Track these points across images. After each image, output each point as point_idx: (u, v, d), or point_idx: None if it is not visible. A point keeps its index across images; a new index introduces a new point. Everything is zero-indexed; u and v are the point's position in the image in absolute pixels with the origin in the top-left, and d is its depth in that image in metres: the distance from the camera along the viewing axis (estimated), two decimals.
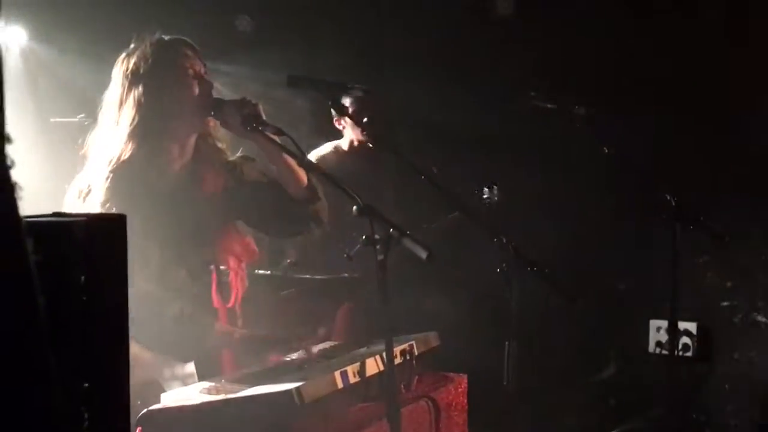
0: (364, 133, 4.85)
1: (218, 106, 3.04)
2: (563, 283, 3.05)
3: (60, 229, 1.26)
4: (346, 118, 4.87)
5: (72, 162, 3.25)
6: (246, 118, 2.95)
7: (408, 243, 2.45)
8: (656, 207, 5.40)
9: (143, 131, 2.99)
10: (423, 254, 2.44)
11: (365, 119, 4.78)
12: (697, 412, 5.50)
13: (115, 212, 2.86)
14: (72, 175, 3.12)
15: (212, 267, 3.14)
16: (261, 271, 4.86)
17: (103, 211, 2.90)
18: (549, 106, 4.00)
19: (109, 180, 2.94)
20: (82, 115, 5.19)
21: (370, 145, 4.91)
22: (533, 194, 5.76)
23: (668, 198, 3.86)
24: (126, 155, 2.98)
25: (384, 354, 2.85)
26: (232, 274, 3.20)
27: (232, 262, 3.22)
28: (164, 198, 3.02)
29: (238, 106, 3.00)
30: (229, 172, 3.23)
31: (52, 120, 5.16)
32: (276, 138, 2.95)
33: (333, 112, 4.80)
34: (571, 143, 5.59)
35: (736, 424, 5.45)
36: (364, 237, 2.50)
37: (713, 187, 5.49)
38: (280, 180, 3.18)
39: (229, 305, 3.15)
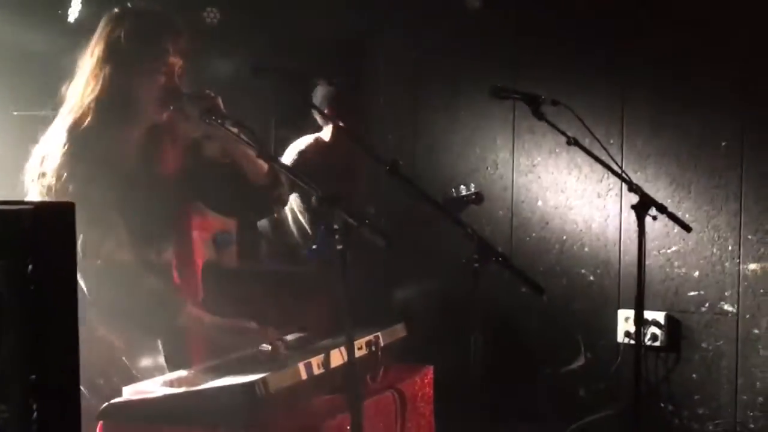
0: (341, 126, 4.87)
1: (177, 99, 3.00)
2: (530, 274, 3.03)
3: (6, 217, 1.23)
4: (324, 111, 4.84)
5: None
6: (205, 110, 2.91)
7: (366, 232, 2.44)
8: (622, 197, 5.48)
9: (103, 105, 2.95)
10: (382, 243, 2.43)
11: (338, 113, 4.83)
12: (665, 402, 5.53)
13: (71, 187, 2.83)
14: None
15: (170, 247, 3.10)
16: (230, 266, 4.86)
17: (61, 180, 2.85)
18: (515, 96, 4.00)
19: (67, 147, 2.89)
20: (51, 108, 5.16)
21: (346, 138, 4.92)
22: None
23: (634, 187, 3.85)
24: (82, 124, 2.94)
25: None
26: (193, 250, 3.16)
27: (194, 237, 3.18)
28: (125, 170, 2.98)
29: (196, 99, 2.96)
30: (189, 150, 3.18)
31: (14, 113, 5.11)
32: (235, 130, 2.91)
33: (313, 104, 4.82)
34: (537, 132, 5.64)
35: (704, 413, 5.48)
36: (322, 227, 2.49)
37: (681, 176, 5.53)
38: (240, 167, 3.14)
39: (191, 282, 3.12)
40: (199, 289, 3.18)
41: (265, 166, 3.13)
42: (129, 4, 3.11)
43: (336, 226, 2.48)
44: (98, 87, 2.96)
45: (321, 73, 3.13)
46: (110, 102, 2.98)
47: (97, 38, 3.02)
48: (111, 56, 2.97)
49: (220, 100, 2.97)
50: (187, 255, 3.17)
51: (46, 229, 1.25)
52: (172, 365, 2.88)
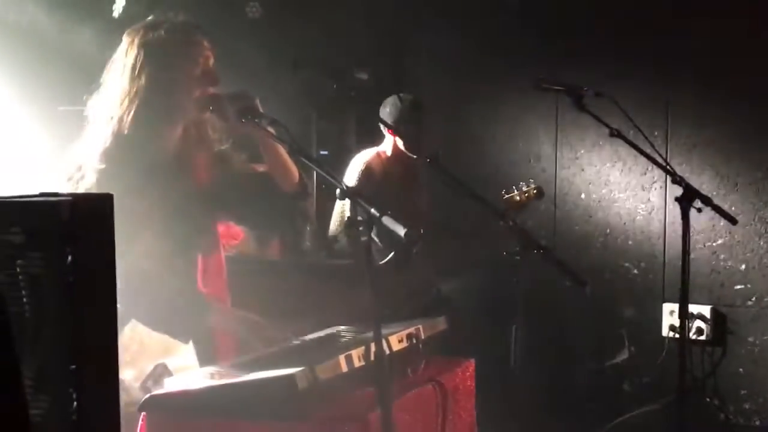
0: (405, 142, 4.95)
1: (215, 100, 3.01)
2: (572, 266, 3.01)
3: (46, 209, 1.24)
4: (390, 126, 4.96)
5: None
6: (242, 110, 2.93)
7: (387, 221, 2.45)
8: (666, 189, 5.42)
9: (144, 110, 2.97)
10: (401, 231, 2.44)
11: (404, 129, 4.92)
12: (711, 396, 5.48)
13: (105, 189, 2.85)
14: None
15: (198, 254, 3.13)
16: (271, 257, 4.88)
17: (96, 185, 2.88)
18: (557, 87, 3.97)
19: (106, 157, 2.92)
20: (86, 96, 5.18)
21: (409, 154, 5.01)
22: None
23: (678, 179, 3.81)
24: (124, 131, 2.96)
25: (389, 338, 2.86)
26: (219, 260, 3.20)
27: (221, 248, 3.23)
28: (157, 180, 3.00)
29: (234, 99, 2.97)
30: (218, 161, 3.21)
31: (60, 108, 5.16)
32: (271, 130, 2.92)
33: (381, 118, 4.99)
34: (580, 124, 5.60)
35: (750, 408, 5.42)
36: (346, 218, 2.50)
37: (726, 168, 5.47)
38: (272, 173, 3.15)
39: (217, 290, 3.14)
40: (227, 296, 3.21)
41: (296, 173, 3.15)
42: (155, 15, 3.12)
43: (360, 218, 2.49)
44: (136, 93, 2.98)
45: (361, 68, 3.12)
46: (149, 107, 2.99)
47: (125, 51, 3.03)
48: (147, 61, 2.98)
49: (257, 101, 2.98)
50: (215, 265, 3.21)
51: (84, 221, 1.26)
52: (204, 364, 2.89)
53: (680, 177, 3.84)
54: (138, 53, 3.00)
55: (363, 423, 2.47)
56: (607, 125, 3.96)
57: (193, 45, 3.05)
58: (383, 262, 4.80)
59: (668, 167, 3.96)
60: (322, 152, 6.39)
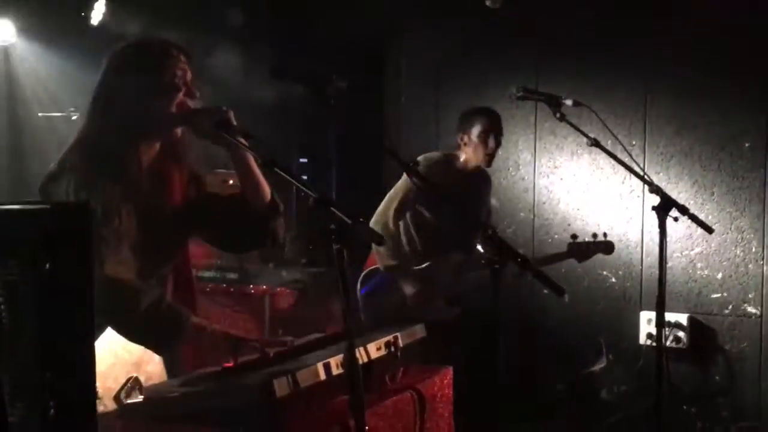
0: (487, 155, 5.01)
1: (192, 115, 3.03)
2: (551, 275, 3.02)
3: (24, 217, 1.25)
4: (472, 137, 5.00)
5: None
6: (217, 124, 2.94)
7: (359, 230, 2.47)
8: (644, 198, 5.45)
9: (123, 125, 2.99)
10: (370, 240, 2.46)
11: (494, 142, 5.00)
12: (688, 404, 5.51)
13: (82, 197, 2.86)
14: None
15: (169, 271, 3.14)
16: (251, 266, 4.89)
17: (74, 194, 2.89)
18: (536, 96, 4.00)
19: (81, 170, 2.93)
20: (72, 109, 5.20)
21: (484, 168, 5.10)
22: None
23: (656, 189, 3.84)
24: (104, 144, 2.97)
25: (367, 346, 2.86)
26: (186, 277, 3.21)
27: (191, 267, 3.25)
28: (133, 195, 3.01)
29: (210, 114, 2.99)
30: (193, 182, 3.23)
31: (39, 114, 5.16)
32: (244, 142, 2.94)
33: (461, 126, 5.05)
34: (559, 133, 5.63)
35: (727, 416, 5.45)
36: (319, 228, 2.50)
37: (703, 178, 5.51)
38: (243, 192, 3.16)
39: (187, 305, 3.14)
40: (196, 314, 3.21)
41: (268, 192, 3.16)
42: (131, 38, 3.15)
43: (332, 226, 2.50)
44: (114, 108, 3.00)
45: (341, 75, 3.11)
46: (127, 123, 3.01)
47: (109, 64, 3.06)
48: (127, 78, 3.01)
49: (231, 114, 3.00)
50: (184, 282, 3.21)
51: (62, 229, 1.26)
52: (173, 375, 2.89)
53: (657, 186, 3.88)
54: (117, 70, 3.03)
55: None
56: (585, 135, 3.99)
57: (171, 62, 3.07)
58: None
59: (645, 177, 3.99)
60: (301, 159, 6.41)
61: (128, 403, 2.50)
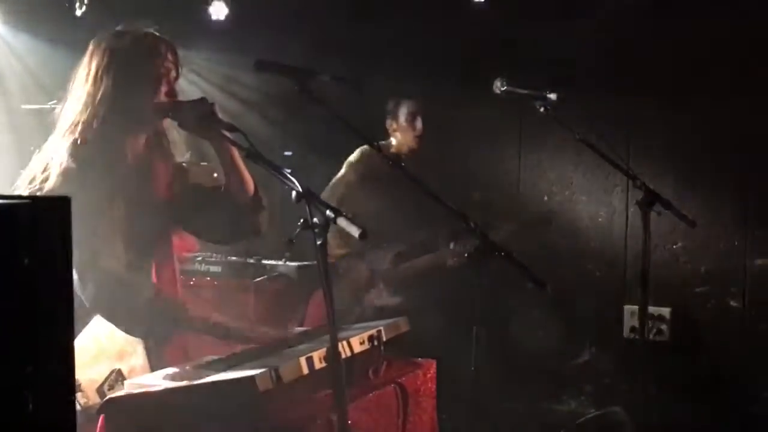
0: (416, 137, 5.25)
1: (176, 108, 3.03)
2: (531, 268, 3.03)
3: (2, 212, 1.24)
4: (399, 121, 5.26)
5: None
6: (200, 117, 2.95)
7: (342, 222, 2.47)
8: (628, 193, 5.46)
9: (108, 117, 2.98)
10: (356, 233, 2.46)
11: (420, 123, 5.25)
12: (670, 398, 5.52)
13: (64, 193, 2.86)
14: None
15: (153, 262, 3.15)
16: (234, 258, 4.88)
17: (59, 188, 2.89)
18: (521, 91, 4.00)
19: (67, 164, 2.92)
20: (54, 102, 5.17)
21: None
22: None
23: (639, 184, 3.85)
24: (88, 136, 2.97)
25: (350, 340, 2.87)
26: (169, 269, 3.22)
27: (174, 256, 3.25)
28: (118, 187, 3.01)
29: (194, 106, 2.99)
30: (177, 174, 3.23)
31: (23, 107, 5.13)
32: (228, 135, 2.95)
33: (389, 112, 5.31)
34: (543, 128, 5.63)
35: (710, 409, 5.47)
36: (301, 221, 2.51)
37: (686, 173, 5.52)
38: (228, 186, 3.16)
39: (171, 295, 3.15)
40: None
41: (251, 186, 3.17)
42: (119, 27, 3.14)
43: (315, 220, 2.50)
44: (96, 103, 2.99)
45: (325, 70, 3.11)
46: (113, 114, 3.00)
47: (90, 57, 3.05)
48: (108, 71, 3.00)
49: (216, 106, 3.00)
50: (168, 274, 3.22)
51: (42, 224, 1.26)
52: (156, 367, 2.90)
53: (641, 181, 3.89)
54: (102, 61, 3.02)
55: (321, 426, 2.48)
56: (571, 130, 3.99)
57: (156, 55, 3.07)
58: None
59: (629, 171, 4.00)
60: (285, 153, 6.39)
61: (110, 397, 2.49)
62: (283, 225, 5.73)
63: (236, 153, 3.05)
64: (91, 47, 3.07)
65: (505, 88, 4.01)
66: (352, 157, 5.24)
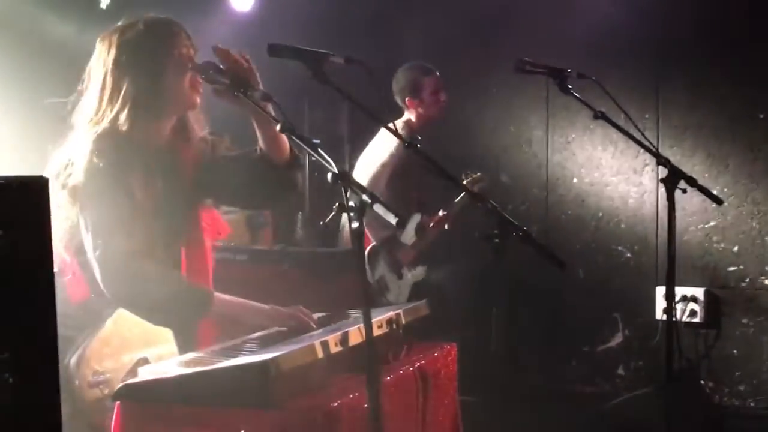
0: (441, 108, 5.27)
1: (208, 68, 2.95)
2: (550, 248, 2.98)
3: None
4: (424, 98, 5.26)
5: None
6: (237, 79, 2.87)
7: (379, 209, 2.42)
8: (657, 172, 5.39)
9: (134, 107, 2.96)
10: (393, 220, 2.41)
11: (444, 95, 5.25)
12: (705, 379, 5.46)
13: (100, 194, 2.86)
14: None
15: (182, 247, 3.12)
16: (260, 247, 4.88)
17: (88, 187, 2.88)
18: (540, 70, 3.94)
19: (94, 156, 2.90)
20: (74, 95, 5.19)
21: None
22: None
23: (663, 161, 3.79)
24: (116, 129, 2.95)
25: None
26: (203, 253, 3.19)
27: (205, 241, 3.21)
28: (147, 175, 3.00)
29: (230, 71, 2.92)
30: (202, 149, 3.20)
31: (46, 101, 5.15)
32: (263, 104, 2.89)
33: (394, 86, 5.27)
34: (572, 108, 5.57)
35: (744, 390, 5.40)
36: (336, 204, 2.45)
37: (717, 150, 5.44)
38: (263, 145, 3.12)
39: (202, 279, 3.12)
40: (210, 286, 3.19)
41: (287, 146, 3.12)
42: (125, 18, 3.11)
43: (352, 204, 2.45)
44: (125, 92, 2.96)
45: (342, 53, 3.07)
46: (138, 104, 2.98)
47: (107, 48, 3.02)
48: (130, 59, 2.98)
49: (255, 69, 2.95)
50: (199, 258, 3.19)
51: (19, 204, 1.25)
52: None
53: (665, 158, 3.82)
54: (119, 53, 2.99)
55: (331, 411, 2.46)
56: (591, 107, 3.93)
57: (171, 36, 3.04)
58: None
59: (653, 148, 3.93)
60: (314, 140, 6.37)
61: (123, 385, 2.49)
62: (311, 214, 5.77)
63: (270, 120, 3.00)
64: (100, 44, 3.05)
65: (525, 67, 3.96)
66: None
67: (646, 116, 5.53)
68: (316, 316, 3.16)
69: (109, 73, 3.00)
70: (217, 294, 3.00)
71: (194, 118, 3.20)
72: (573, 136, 5.83)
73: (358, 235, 2.49)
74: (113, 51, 3.01)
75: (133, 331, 2.92)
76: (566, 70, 3.88)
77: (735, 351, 5.45)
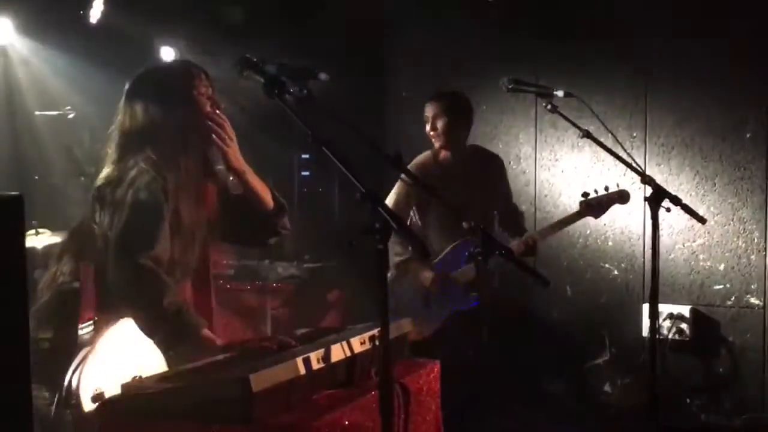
0: (438, 138, 4.81)
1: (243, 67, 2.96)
2: (533, 266, 3.01)
3: None
4: (427, 128, 4.83)
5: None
6: (271, 84, 2.86)
7: (404, 235, 2.42)
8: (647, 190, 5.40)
9: (161, 146, 3.05)
10: (418, 250, 2.42)
11: (440, 124, 4.80)
12: (692, 396, 5.47)
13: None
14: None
15: (191, 280, 3.19)
16: (247, 262, 4.89)
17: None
18: (528, 89, 3.97)
19: (130, 198, 2.98)
20: (68, 108, 5.22)
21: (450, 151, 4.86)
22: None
23: (648, 179, 3.81)
24: (145, 168, 3.02)
25: (350, 340, 2.85)
26: (205, 293, 3.25)
27: (210, 281, 3.30)
28: (181, 207, 3.07)
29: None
30: (219, 188, 3.30)
31: (36, 113, 5.17)
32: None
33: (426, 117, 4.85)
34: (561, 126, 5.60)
35: (731, 407, 5.41)
36: (364, 225, 2.45)
37: (703, 169, 5.47)
38: (248, 196, 3.22)
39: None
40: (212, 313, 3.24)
41: (269, 193, 3.26)
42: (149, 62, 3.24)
43: (377, 225, 2.44)
44: (151, 132, 3.06)
45: (330, 69, 3.07)
46: (165, 143, 3.07)
47: (134, 91, 3.13)
48: (155, 100, 3.09)
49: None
50: (204, 297, 3.26)
51: None
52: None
53: (649, 177, 3.85)
54: (146, 96, 3.10)
55: (316, 427, 2.46)
56: (577, 126, 3.96)
57: (192, 77, 3.15)
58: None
59: (639, 168, 3.95)
60: (303, 156, 6.40)
61: (106, 400, 2.49)
62: (298, 229, 5.77)
63: (251, 174, 3.16)
64: (128, 86, 3.15)
65: (512, 86, 3.99)
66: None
67: (634, 135, 5.56)
68: (298, 332, 3.17)
69: (137, 115, 3.13)
70: (206, 333, 3.02)
71: (213, 156, 3.28)
72: (561, 153, 5.86)
73: (381, 258, 2.47)
74: (140, 95, 3.14)
75: (125, 351, 2.94)
76: (553, 88, 3.91)
77: (721, 369, 5.47)
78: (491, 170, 4.97)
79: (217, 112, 3.17)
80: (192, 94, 3.13)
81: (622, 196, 4.69)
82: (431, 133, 4.83)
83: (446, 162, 4.83)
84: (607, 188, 4.67)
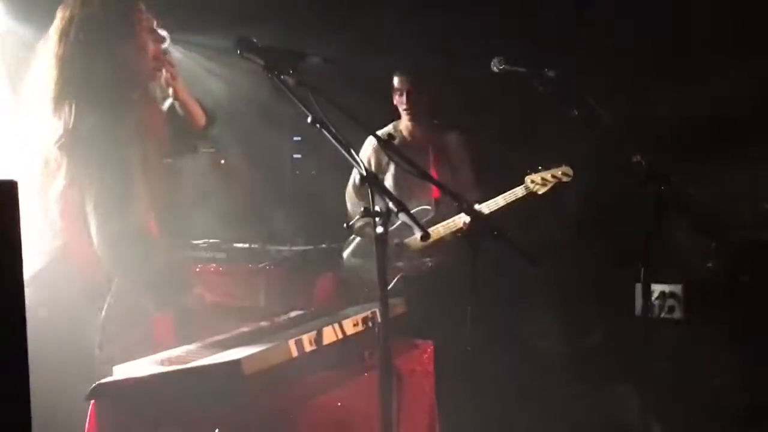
0: (404, 110, 5.09)
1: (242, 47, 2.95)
2: (524, 246, 3.00)
3: None
4: (395, 101, 5.13)
5: None
6: (270, 65, 2.85)
7: (405, 218, 2.42)
8: (629, 169, 5.40)
9: (102, 85, 3.00)
10: (418, 233, 2.42)
11: (403, 95, 5.09)
12: (683, 373, 5.48)
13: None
14: None
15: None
16: (239, 245, 4.88)
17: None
18: (519, 69, 3.96)
19: (63, 139, 2.95)
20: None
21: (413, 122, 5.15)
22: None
23: (638, 159, 3.80)
24: (87, 111, 2.99)
25: (342, 322, 2.87)
26: None
27: None
28: (127, 150, 3.04)
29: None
30: (167, 117, 3.36)
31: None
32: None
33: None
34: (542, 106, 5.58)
35: (721, 385, 5.42)
36: (362, 209, 2.45)
37: (695, 147, 5.46)
38: (185, 113, 3.38)
39: None
40: None
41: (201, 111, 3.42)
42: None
43: (378, 209, 2.44)
44: (89, 71, 2.99)
45: (316, 52, 3.06)
46: (105, 81, 3.01)
47: (67, 22, 3.04)
48: (92, 36, 3.01)
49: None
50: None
51: None
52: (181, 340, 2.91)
53: (639, 155, 3.83)
54: (75, 32, 3.02)
55: (308, 409, 2.48)
56: (569, 107, 3.94)
57: (131, 11, 3.09)
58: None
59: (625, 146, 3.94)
60: (295, 138, 6.39)
61: (99, 383, 2.50)
62: (291, 211, 5.77)
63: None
64: (59, 15, 3.07)
65: (503, 66, 3.98)
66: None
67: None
68: (292, 314, 3.18)
69: (70, 53, 3.06)
70: (198, 289, 3.03)
71: (160, 89, 3.30)
72: (554, 130, 5.83)
73: (382, 241, 2.48)
74: (70, 28, 3.06)
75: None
76: (544, 70, 3.90)
77: (712, 346, 5.47)
78: (450, 142, 5.24)
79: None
80: (131, 28, 3.10)
81: None
82: (400, 106, 5.11)
83: (409, 131, 5.11)
84: None
